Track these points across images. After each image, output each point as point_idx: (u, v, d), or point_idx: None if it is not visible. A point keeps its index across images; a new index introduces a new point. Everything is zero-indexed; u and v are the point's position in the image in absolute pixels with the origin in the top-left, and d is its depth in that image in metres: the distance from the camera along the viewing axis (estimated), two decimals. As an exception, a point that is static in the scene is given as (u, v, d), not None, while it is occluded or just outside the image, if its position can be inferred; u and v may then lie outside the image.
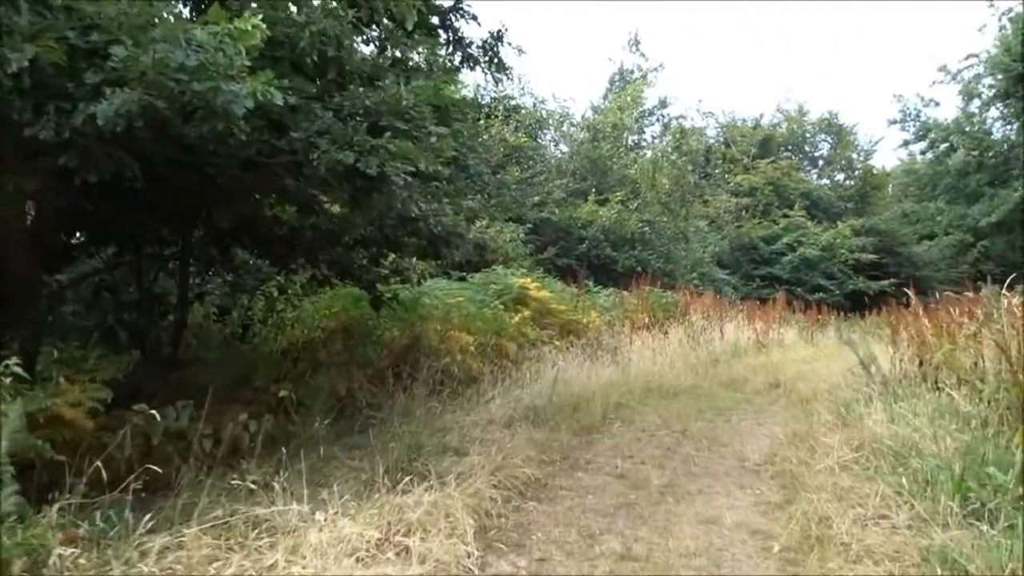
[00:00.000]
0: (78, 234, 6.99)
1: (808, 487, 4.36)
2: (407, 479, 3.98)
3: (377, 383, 6.45)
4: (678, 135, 19.91)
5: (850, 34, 60.61)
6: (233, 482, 3.79)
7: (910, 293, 9.01)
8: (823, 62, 62.07)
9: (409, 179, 3.32)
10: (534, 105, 18.86)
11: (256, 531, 3.27)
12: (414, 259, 8.97)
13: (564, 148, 20.39)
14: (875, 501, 4.02)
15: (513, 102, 18.43)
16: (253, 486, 3.58)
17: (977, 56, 22.16)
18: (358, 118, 3.38)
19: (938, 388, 6.72)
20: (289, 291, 9.25)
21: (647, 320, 11.66)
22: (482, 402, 6.25)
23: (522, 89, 18.65)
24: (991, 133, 20.53)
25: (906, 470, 4.43)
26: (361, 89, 3.65)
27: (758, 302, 18.91)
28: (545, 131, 19.90)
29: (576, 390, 6.92)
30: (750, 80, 58.05)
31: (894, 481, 4.23)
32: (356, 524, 3.17)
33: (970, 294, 9.08)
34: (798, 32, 61.87)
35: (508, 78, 16.29)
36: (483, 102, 18.52)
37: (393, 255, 8.20)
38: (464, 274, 12.76)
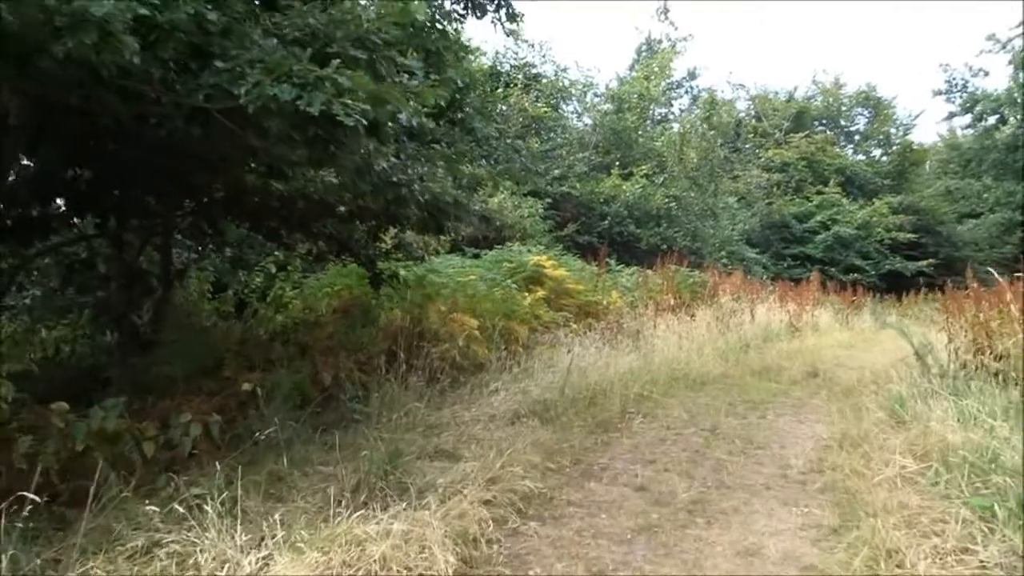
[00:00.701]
0: (58, 202, 6.38)
1: (868, 507, 3.61)
2: (382, 496, 3.31)
3: (369, 371, 5.79)
4: (708, 106, 18.90)
5: (890, 3, 58.32)
6: (170, 498, 3.15)
7: (968, 275, 8.11)
8: (861, 32, 59.78)
9: (365, 125, 2.59)
10: (555, 74, 18.00)
11: (180, 567, 2.62)
12: (423, 235, 8.33)
13: (587, 120, 19.51)
14: (955, 529, 3.27)
15: (534, 71, 17.63)
16: (184, 506, 2.92)
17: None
18: (301, 44, 2.67)
19: (1005, 383, 5.92)
20: (289, 267, 8.65)
21: (672, 302, 10.87)
22: (485, 394, 5.56)
23: (543, 57, 17.80)
24: None
25: (988, 488, 3.68)
26: (306, 7, 2.93)
27: (790, 283, 17.97)
28: (567, 102, 19.02)
29: (593, 380, 6.19)
30: (783, 52, 56.23)
31: (976, 503, 3.48)
32: (298, 566, 2.50)
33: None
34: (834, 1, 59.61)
35: (520, 35, 15.29)
36: (502, 70, 17.75)
37: (394, 229, 7.56)
38: (478, 251, 12.08)
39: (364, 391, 5.44)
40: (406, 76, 3.35)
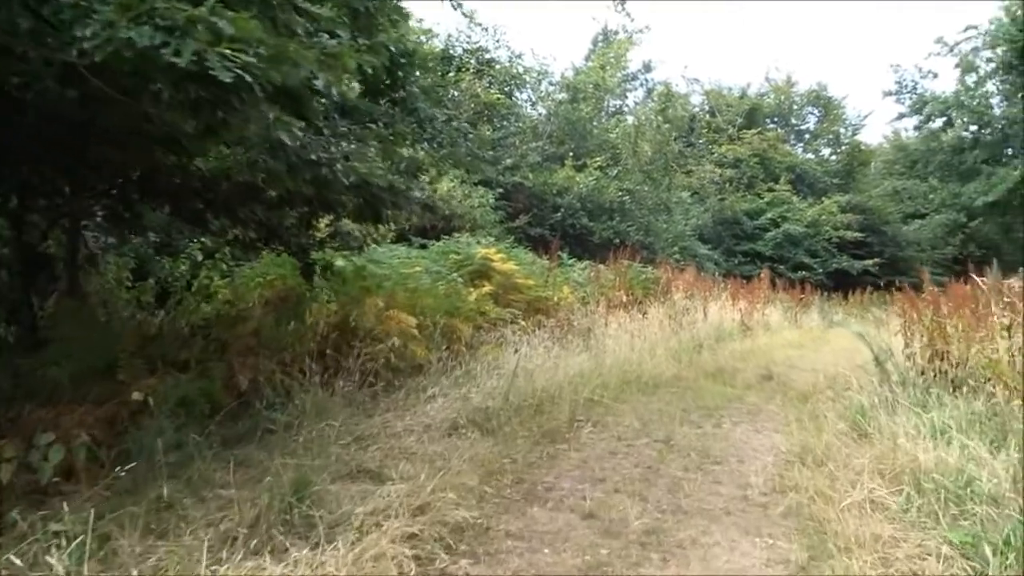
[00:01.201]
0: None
1: (837, 537, 3.26)
2: (284, 533, 2.81)
3: (294, 373, 5.24)
4: (664, 98, 18.65)
5: (842, 4, 59.22)
6: (22, 537, 2.59)
7: (923, 277, 7.94)
8: (813, 32, 60.81)
9: (260, 87, 2.09)
10: (510, 60, 17.48)
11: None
12: (360, 223, 7.79)
13: (541, 109, 19.06)
14: (936, 568, 2.94)
15: (487, 56, 17.10)
16: (38, 547, 2.38)
17: (976, 28, 21.11)
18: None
19: (970, 392, 5.70)
20: (217, 255, 7.99)
21: (624, 298, 10.52)
22: (422, 400, 5.07)
23: (497, 42, 17.25)
24: (991, 108, 19.53)
25: (967, 518, 3.36)
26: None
27: (741, 280, 17.88)
28: (521, 90, 18.53)
29: (540, 383, 5.76)
30: (737, 48, 56.74)
31: (957, 538, 3.15)
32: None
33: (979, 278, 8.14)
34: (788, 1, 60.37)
35: (474, 18, 14.68)
36: (454, 54, 17.16)
37: (330, 217, 7.03)
38: (426, 242, 11.56)
39: (287, 396, 4.91)
40: (326, 36, 2.83)
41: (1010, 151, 19.45)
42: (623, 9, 21.86)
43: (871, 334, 13.00)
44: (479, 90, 15.62)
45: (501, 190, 15.49)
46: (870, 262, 25.32)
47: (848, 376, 7.28)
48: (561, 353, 7.09)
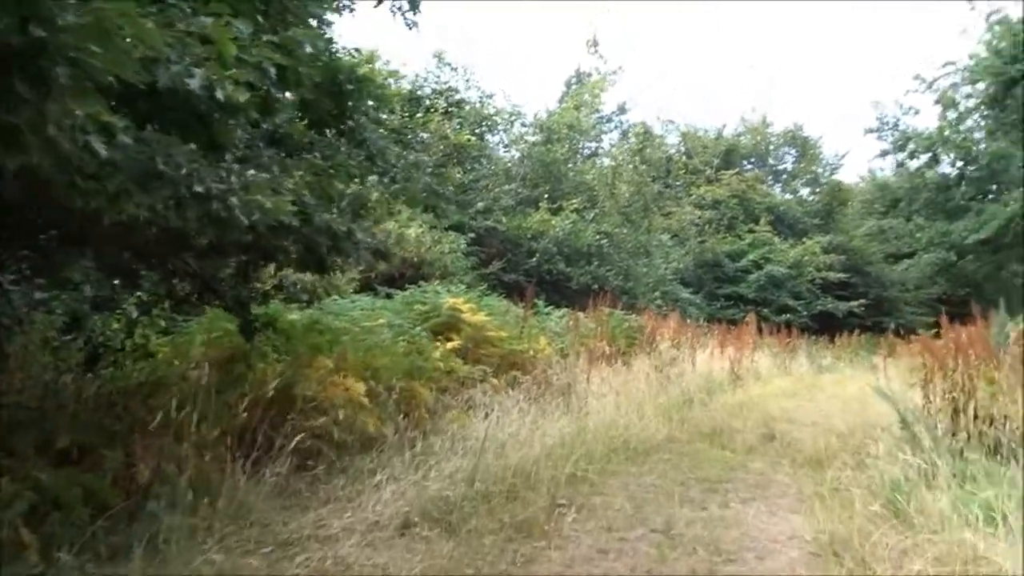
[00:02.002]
0: None
1: None
2: None
3: (215, 456, 4.36)
4: (641, 137, 18.22)
5: (818, 44, 60.46)
6: None
7: (943, 322, 7.27)
8: (790, 72, 61.79)
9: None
10: (480, 101, 16.97)
11: None
12: (303, 272, 6.98)
13: (514, 151, 18.54)
14: None
15: (457, 96, 16.58)
16: None
17: (954, 64, 21.10)
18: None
19: (1007, 454, 4.98)
20: (154, 311, 7.13)
21: (607, 349, 9.75)
22: (370, 487, 4.20)
23: (467, 82, 16.77)
24: (978, 143, 19.35)
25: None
26: None
27: (726, 324, 17.24)
28: (494, 132, 18.02)
29: (514, 459, 4.92)
30: (713, 90, 57.43)
31: None
32: None
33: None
34: (763, 42, 61.62)
35: (444, 58, 14.21)
36: (422, 94, 16.64)
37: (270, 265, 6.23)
38: (391, 291, 10.77)
39: (203, 488, 4.02)
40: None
41: (996, 187, 19.22)
42: (596, 51, 21.56)
43: (874, 383, 12.37)
44: (449, 131, 15.04)
45: (473, 235, 14.80)
46: (855, 303, 24.93)
47: (862, 437, 6.55)
48: (539, 417, 6.27)
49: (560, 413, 6.69)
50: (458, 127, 15.59)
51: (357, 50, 5.19)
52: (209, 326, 6.86)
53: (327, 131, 5.27)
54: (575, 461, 5.32)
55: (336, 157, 4.27)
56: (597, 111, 20.81)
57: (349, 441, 4.82)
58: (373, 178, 4.72)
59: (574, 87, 22.59)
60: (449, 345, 7.31)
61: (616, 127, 27.56)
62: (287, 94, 4.85)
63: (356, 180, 4.83)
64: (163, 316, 7.16)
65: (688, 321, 15.04)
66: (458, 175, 14.85)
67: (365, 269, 13.48)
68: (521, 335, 8.55)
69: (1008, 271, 18.89)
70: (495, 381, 7.33)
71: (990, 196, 19.60)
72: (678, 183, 25.15)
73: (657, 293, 17.84)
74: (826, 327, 24.13)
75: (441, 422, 5.62)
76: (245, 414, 4.84)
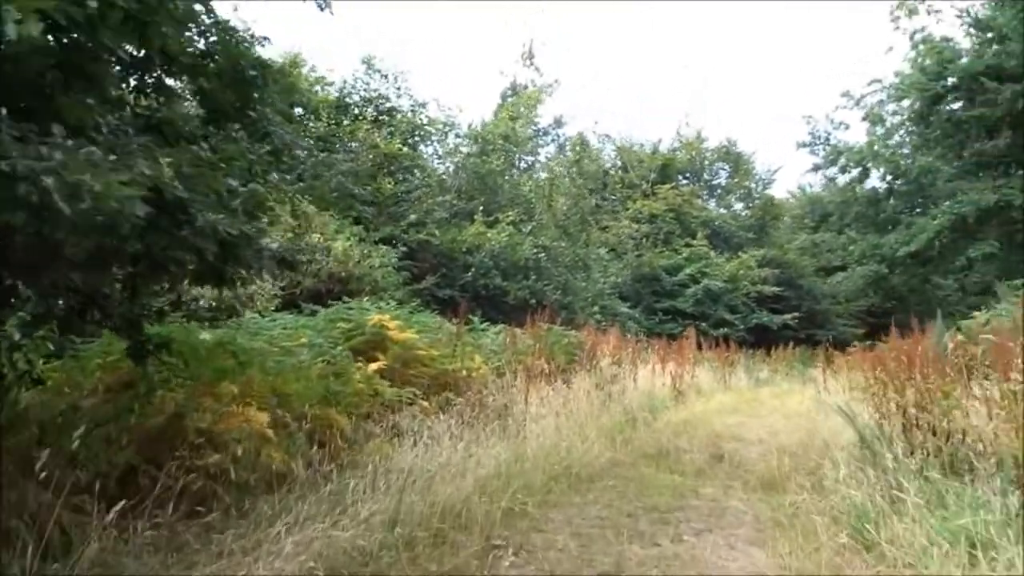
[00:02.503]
0: None
1: None
2: None
3: (88, 505, 3.67)
4: (579, 148, 17.95)
5: (752, 44, 61.87)
6: None
7: (890, 330, 7.07)
8: (724, 72, 63.01)
9: None
10: (412, 109, 16.42)
11: None
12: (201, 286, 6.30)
13: (448, 163, 18.04)
14: None
15: (387, 104, 16.00)
16: None
17: (880, 82, 21.65)
18: None
19: (968, 473, 4.69)
20: (41, 332, 6.31)
21: (545, 367, 9.28)
22: (270, 538, 3.58)
23: (398, 90, 16.20)
24: (906, 158, 19.80)
25: None
26: None
27: (665, 339, 17.04)
28: (427, 143, 17.48)
29: (443, 495, 4.37)
30: (647, 89, 58.14)
31: None
32: None
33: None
34: (697, 42, 62.77)
35: (373, 64, 13.68)
36: (351, 101, 16.00)
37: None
38: (318, 308, 10.08)
39: (63, 545, 3.35)
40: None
41: (923, 201, 19.69)
42: (532, 64, 21.32)
43: (817, 397, 12.25)
44: (379, 140, 14.44)
45: (405, 248, 14.21)
46: (789, 316, 25.22)
47: (816, 456, 6.23)
48: (472, 443, 5.74)
49: (496, 439, 6.16)
50: (389, 136, 14.99)
51: (266, 38, 4.58)
52: (107, 348, 6.10)
53: (231, 125, 4.67)
54: (512, 494, 4.80)
55: (224, 148, 3.67)
56: (534, 124, 20.51)
57: (251, 480, 4.18)
58: (276, 176, 4.10)
59: (510, 99, 22.29)
60: (373, 366, 6.70)
61: (553, 140, 27.43)
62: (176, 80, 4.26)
63: (258, 178, 4.23)
64: (49, 338, 6.37)
65: (628, 336, 14.74)
66: (389, 185, 14.24)
67: (288, 285, 12.75)
68: (454, 353, 8.00)
69: (932, 284, 19.39)
70: (425, 404, 6.77)
71: (917, 210, 20.09)
72: (614, 197, 25.06)
73: (596, 308, 17.54)
74: (762, 340, 24.32)
75: (361, 454, 5.02)
76: (127, 451, 4.19)
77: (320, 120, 14.37)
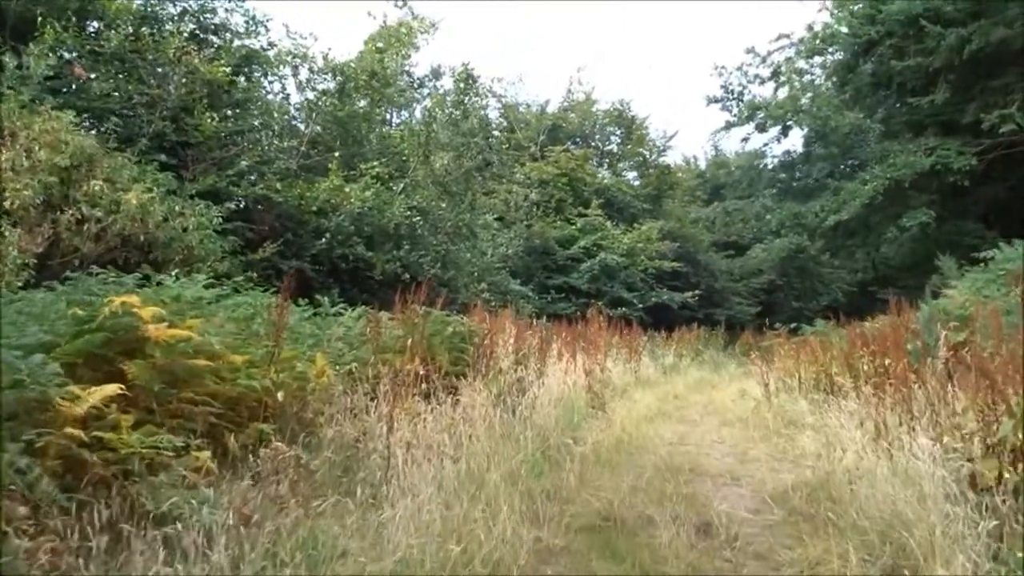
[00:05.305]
0: None
1: None
2: None
3: None
4: (463, 82, 15.08)
5: (646, 21, 60.47)
6: None
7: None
8: (619, 49, 61.35)
9: None
10: (247, 28, 12.98)
11: None
12: None
13: (298, 102, 14.71)
14: None
15: (213, 20, 12.50)
16: None
17: (789, 37, 20.08)
18: None
19: None
20: None
21: (422, 370, 6.46)
22: None
23: (231, 2, 12.72)
24: (840, 112, 18.17)
25: None
26: None
27: (566, 323, 14.60)
28: (270, 75, 14.05)
29: None
30: (536, 63, 55.78)
31: None
32: None
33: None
34: (592, 18, 60.81)
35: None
36: (161, 10, 12.40)
37: None
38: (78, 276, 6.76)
39: None
40: None
41: (850, 162, 18.23)
42: (404, 4, 18.02)
43: (755, 394, 10.14)
44: (198, 62, 11.00)
45: (235, 206, 10.95)
46: (689, 294, 23.60)
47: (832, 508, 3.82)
48: (286, 527, 2.89)
49: (336, 531, 3.33)
50: (214, 59, 11.56)
51: None
52: None
53: None
54: None
55: None
56: (405, 65, 17.39)
57: None
58: None
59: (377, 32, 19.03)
60: (100, 394, 3.67)
61: (430, 93, 24.36)
62: None
63: None
64: None
65: (524, 319, 12.16)
66: (212, 123, 10.88)
67: (57, 252, 9.48)
68: (272, 358, 5.02)
69: (865, 255, 18.10)
70: (200, 457, 3.83)
71: (846, 174, 18.58)
72: (503, 158, 22.39)
73: (483, 284, 14.87)
74: (661, 320, 22.57)
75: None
76: None
77: (117, 32, 10.77)
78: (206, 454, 3.91)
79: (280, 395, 4.43)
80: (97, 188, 8.94)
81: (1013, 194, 17.02)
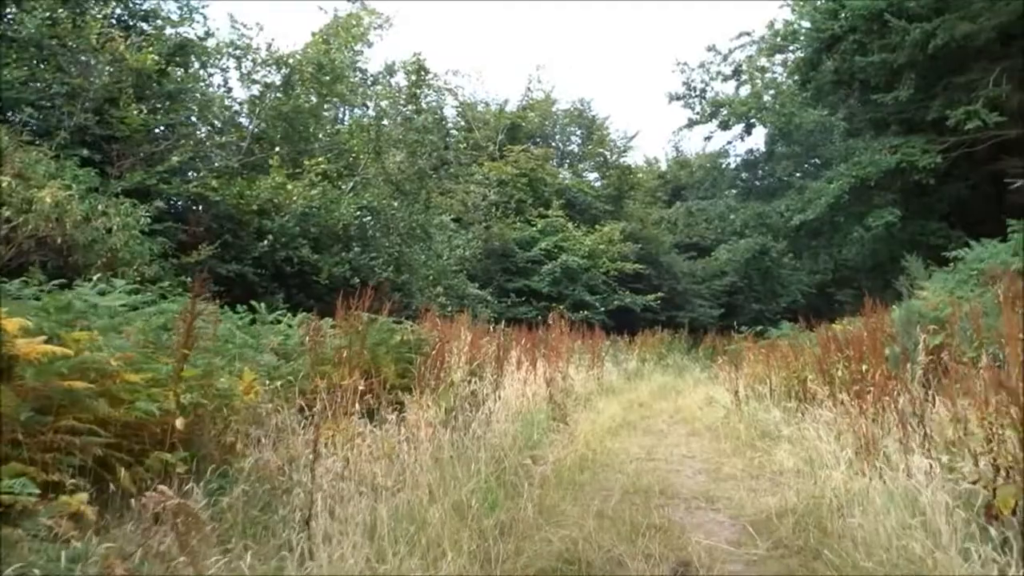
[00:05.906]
0: None
1: None
2: None
3: None
4: (414, 75, 14.41)
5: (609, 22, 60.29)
6: None
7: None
8: (579, 48, 61.02)
9: None
10: (181, 14, 12.15)
11: None
12: None
13: (242, 93, 13.90)
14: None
15: (143, 5, 11.67)
16: None
17: (750, 35, 19.82)
18: None
19: None
20: None
21: (362, 384, 5.79)
22: None
23: (163, -14, 11.90)
24: (804, 109, 17.88)
25: None
26: None
27: (527, 328, 14.02)
28: (208, 66, 13.23)
29: None
30: (495, 58, 55.16)
31: None
32: None
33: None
34: (551, 16, 60.48)
35: None
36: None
37: None
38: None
39: None
40: None
41: (814, 161, 17.99)
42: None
43: (722, 400, 9.66)
44: (123, 49, 10.18)
45: (166, 205, 10.16)
46: (652, 297, 23.20)
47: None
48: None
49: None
50: (142, 47, 10.73)
51: None
52: None
53: None
54: None
55: None
56: (358, 54, 16.63)
57: None
58: None
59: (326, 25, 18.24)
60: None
61: (383, 90, 23.61)
62: None
63: None
64: None
65: (489, 325, 11.54)
66: (139, 114, 10.07)
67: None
68: (179, 374, 4.32)
69: (828, 256, 17.88)
70: (72, 501, 3.14)
71: (798, 174, 18.35)
72: (459, 157, 21.73)
73: (439, 289, 14.21)
74: (623, 324, 22.12)
75: None
76: None
77: (32, 16, 9.90)
78: (81, 496, 3.22)
79: (179, 422, 3.72)
80: (5, 184, 8.16)
81: (975, 193, 16.98)
